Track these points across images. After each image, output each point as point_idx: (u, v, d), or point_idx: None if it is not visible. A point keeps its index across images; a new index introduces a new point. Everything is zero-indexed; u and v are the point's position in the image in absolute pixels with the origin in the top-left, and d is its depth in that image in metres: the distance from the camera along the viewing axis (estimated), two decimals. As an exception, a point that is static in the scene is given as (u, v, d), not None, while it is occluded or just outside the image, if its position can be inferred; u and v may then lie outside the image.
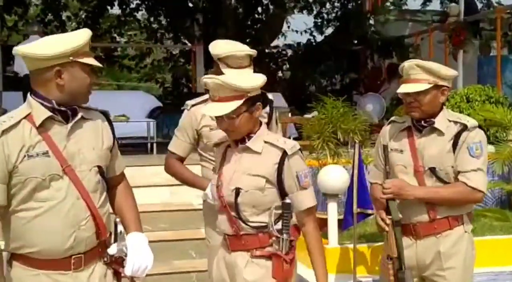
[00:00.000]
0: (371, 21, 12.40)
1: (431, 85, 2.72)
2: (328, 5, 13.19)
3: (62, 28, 11.50)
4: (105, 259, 2.34)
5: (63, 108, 2.24)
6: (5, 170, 2.19)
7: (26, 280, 2.27)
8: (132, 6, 12.08)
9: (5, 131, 2.19)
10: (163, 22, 12.23)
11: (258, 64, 11.43)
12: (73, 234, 2.23)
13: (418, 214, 2.79)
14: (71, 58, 2.20)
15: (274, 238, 2.44)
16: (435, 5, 19.22)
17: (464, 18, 9.80)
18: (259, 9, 12.75)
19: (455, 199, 2.79)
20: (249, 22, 12.77)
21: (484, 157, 2.79)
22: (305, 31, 12.75)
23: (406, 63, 2.82)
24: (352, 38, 11.77)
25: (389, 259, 2.79)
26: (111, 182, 2.46)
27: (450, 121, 2.80)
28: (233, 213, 2.46)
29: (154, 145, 8.07)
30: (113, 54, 12.85)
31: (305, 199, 2.43)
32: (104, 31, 12.38)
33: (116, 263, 2.35)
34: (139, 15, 12.64)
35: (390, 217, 2.77)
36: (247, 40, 12.37)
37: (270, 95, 8.95)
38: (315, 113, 6.94)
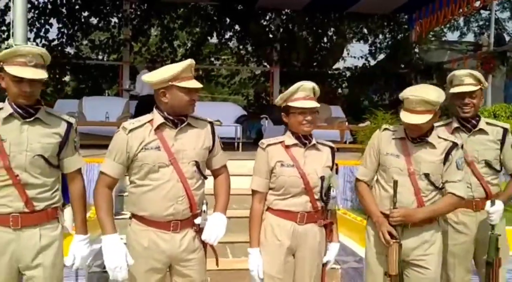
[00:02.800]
0: (416, 50, 12.06)
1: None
2: (381, 36, 12.93)
3: (174, 53, 11.76)
4: (195, 228, 2.45)
5: (171, 117, 2.39)
6: (125, 156, 2.36)
7: (139, 233, 2.43)
8: (226, 37, 12.21)
9: (132, 130, 2.39)
10: (249, 49, 12.28)
11: (322, 82, 11.50)
12: (172, 206, 2.38)
13: None
14: (169, 82, 2.34)
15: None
16: (469, 37, 18.52)
17: (494, 48, 9.41)
18: (325, 39, 12.59)
19: (449, 210, 2.72)
20: (316, 49, 12.64)
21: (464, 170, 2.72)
22: (361, 57, 12.54)
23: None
24: (399, 63, 11.42)
25: (388, 276, 2.59)
26: (213, 173, 2.59)
27: (439, 138, 2.66)
28: (316, 196, 2.55)
29: (240, 144, 8.20)
30: (211, 74, 13.06)
31: None
32: (204, 56, 12.54)
33: (200, 232, 2.45)
34: (231, 43, 12.74)
35: (394, 240, 2.57)
36: (314, 64, 12.38)
37: (332, 107, 8.78)
38: (367, 122, 6.87)
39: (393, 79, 11.69)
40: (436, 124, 2.86)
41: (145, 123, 2.41)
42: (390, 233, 2.58)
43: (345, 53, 13.89)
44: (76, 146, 2.46)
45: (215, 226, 2.43)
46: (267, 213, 2.62)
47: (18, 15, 4.74)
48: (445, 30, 18.14)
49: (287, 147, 2.59)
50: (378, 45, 12.62)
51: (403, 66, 11.51)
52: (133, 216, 2.47)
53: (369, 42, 12.82)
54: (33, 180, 2.28)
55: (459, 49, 15.56)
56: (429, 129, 2.62)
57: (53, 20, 10.52)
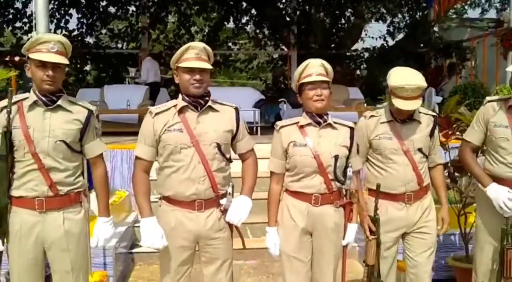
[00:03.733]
0: (435, 28, 11.88)
1: None
2: (399, 15, 12.77)
3: (191, 39, 11.78)
4: (221, 208, 2.53)
5: (191, 100, 2.48)
6: (153, 138, 2.48)
7: (167, 212, 2.54)
8: (243, 21, 12.22)
9: (158, 113, 2.51)
10: (266, 33, 12.27)
11: (340, 64, 11.46)
12: (194, 185, 2.46)
13: (411, 186, 2.76)
14: (176, 64, 2.48)
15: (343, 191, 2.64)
16: (491, 14, 18.07)
17: (512, 25, 9.19)
18: (342, 20, 12.48)
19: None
20: (333, 31, 12.53)
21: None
22: (379, 37, 12.35)
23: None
24: (418, 42, 11.26)
25: (366, 265, 2.76)
26: (241, 157, 2.67)
27: (420, 113, 2.79)
28: (330, 176, 2.59)
29: (259, 128, 8.26)
30: (229, 58, 13.09)
31: None
32: (222, 41, 12.57)
33: (225, 212, 2.53)
34: (248, 28, 12.75)
35: (373, 236, 2.72)
36: (332, 46, 12.29)
37: (350, 89, 8.75)
38: (385, 104, 6.86)
39: (412, 59, 11.52)
40: (494, 97, 2.93)
41: (170, 108, 2.52)
42: (370, 229, 2.73)
43: (363, 34, 13.74)
44: (97, 132, 2.55)
45: (239, 208, 2.50)
46: (284, 194, 2.68)
47: (40, 8, 4.84)
48: (465, 7, 17.74)
49: (301, 127, 2.61)
50: (397, 25, 12.45)
51: (422, 45, 11.37)
52: (162, 197, 2.57)
53: (387, 22, 12.64)
54: (56, 164, 2.39)
55: (480, 27, 15.21)
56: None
57: (72, 11, 10.70)
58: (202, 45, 2.51)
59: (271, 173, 2.70)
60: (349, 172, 2.58)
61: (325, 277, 2.64)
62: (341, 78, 11.40)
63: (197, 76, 2.44)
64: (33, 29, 9.27)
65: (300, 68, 2.62)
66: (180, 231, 2.50)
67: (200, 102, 2.50)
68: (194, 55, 2.45)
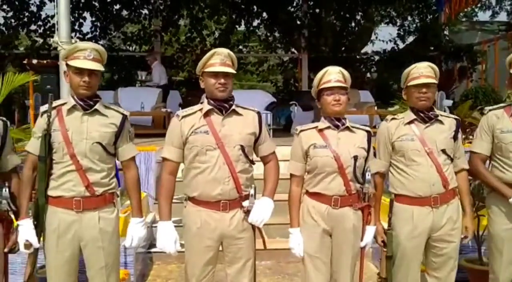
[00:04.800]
0: (446, 32, 11.93)
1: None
2: (409, 18, 12.83)
3: (203, 42, 11.94)
4: (244, 209, 2.63)
5: (216, 104, 2.61)
6: (181, 140, 2.61)
7: (193, 213, 2.65)
8: (254, 24, 12.34)
9: (184, 116, 2.64)
10: (277, 36, 12.38)
11: (351, 67, 11.55)
12: (219, 186, 2.57)
13: (437, 188, 2.78)
14: (202, 69, 2.62)
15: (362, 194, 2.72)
16: (502, 17, 18.07)
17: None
18: (352, 23, 12.56)
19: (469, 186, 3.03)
20: (344, 34, 12.59)
21: None
22: (390, 41, 12.43)
23: None
24: (429, 46, 11.29)
25: (380, 277, 2.93)
26: (262, 160, 2.79)
27: (442, 115, 2.89)
28: (349, 177, 2.69)
29: (271, 131, 8.37)
30: (239, 61, 13.18)
31: None
32: (233, 44, 12.67)
33: (247, 213, 2.62)
34: (259, 31, 12.85)
35: (385, 249, 2.84)
36: (342, 49, 12.38)
37: (361, 92, 8.83)
38: (396, 107, 6.95)
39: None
40: (494, 106, 3.03)
41: (196, 111, 2.66)
42: (383, 241, 2.85)
43: (373, 37, 13.83)
44: (130, 136, 2.70)
45: (261, 209, 2.61)
46: (304, 196, 2.79)
47: (61, 13, 5.02)
48: (476, 10, 17.75)
49: (320, 131, 2.74)
50: (407, 28, 12.50)
51: (432, 49, 11.43)
52: (188, 198, 2.69)
53: (398, 25, 12.72)
54: (92, 165, 2.53)
55: (491, 30, 15.25)
56: (432, 108, 2.84)
57: (86, 14, 10.86)
58: (227, 51, 2.64)
59: (291, 175, 2.81)
60: (368, 175, 2.69)
61: (343, 277, 2.74)
62: (352, 81, 11.51)
63: (222, 81, 2.57)
64: (51, 33, 9.52)
65: (319, 75, 2.75)
66: (205, 231, 2.61)
67: (224, 106, 2.62)
68: (219, 61, 2.58)
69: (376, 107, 9.01)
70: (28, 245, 2.53)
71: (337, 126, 2.73)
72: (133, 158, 2.72)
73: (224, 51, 2.63)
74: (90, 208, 2.55)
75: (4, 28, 10.41)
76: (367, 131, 2.80)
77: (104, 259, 2.59)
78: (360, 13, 12.40)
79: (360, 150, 2.72)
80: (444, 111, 8.03)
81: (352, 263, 2.75)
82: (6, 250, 2.58)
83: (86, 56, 2.50)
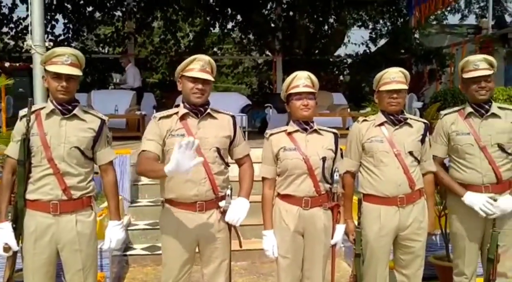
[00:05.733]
0: (416, 35, 12.23)
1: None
2: (381, 22, 13.13)
3: (177, 44, 11.96)
4: (220, 210, 2.70)
5: (191, 108, 2.67)
6: (159, 138, 2.65)
7: (169, 214, 2.71)
8: (229, 27, 12.41)
9: (161, 118, 2.70)
10: (252, 38, 12.49)
11: (324, 70, 11.70)
12: (196, 187, 2.63)
13: (403, 189, 2.88)
14: (180, 73, 2.68)
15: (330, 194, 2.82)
16: (471, 20, 18.60)
17: (492, 32, 9.61)
18: (326, 26, 12.78)
19: (434, 189, 3.14)
20: (317, 37, 12.79)
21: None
22: (362, 44, 12.65)
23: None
24: (400, 49, 11.54)
25: (352, 275, 3.03)
26: (237, 162, 2.86)
27: (411, 119, 2.99)
28: (319, 178, 2.78)
29: (246, 133, 8.45)
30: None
31: None
32: (207, 46, 12.74)
33: (224, 214, 2.69)
34: (233, 33, 12.94)
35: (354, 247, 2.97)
36: (316, 51, 12.57)
37: (334, 95, 8.99)
38: (368, 109, 7.14)
39: (394, 65, 11.82)
40: (448, 111, 3.16)
41: (172, 115, 2.72)
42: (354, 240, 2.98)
43: (346, 40, 14.06)
44: (108, 140, 2.75)
45: (237, 209, 2.68)
46: (276, 199, 2.88)
47: (35, 16, 4.98)
48: (446, 13, 18.21)
49: (289, 134, 2.83)
50: (379, 31, 12.78)
51: (403, 51, 11.71)
52: (165, 200, 2.74)
53: (370, 28, 12.98)
54: (70, 169, 2.58)
55: (459, 33, 15.66)
56: (402, 111, 2.95)
57: (58, 16, 10.77)
58: (208, 58, 2.71)
59: (263, 178, 2.88)
60: (336, 176, 2.80)
61: (316, 275, 2.84)
62: (325, 83, 11.69)
63: (200, 86, 2.64)
64: (23, 35, 9.41)
65: (288, 80, 2.84)
66: (182, 232, 2.67)
67: (200, 110, 2.69)
68: (199, 66, 2.64)
69: (349, 110, 9.20)
70: (7, 248, 2.56)
71: (305, 130, 2.83)
72: (111, 162, 2.78)
73: (205, 58, 2.70)
74: (67, 211, 2.59)
75: (-25, 30, 10.27)
76: (334, 133, 2.91)
77: (81, 262, 2.63)
78: (333, 17, 12.62)
79: (328, 152, 2.82)
80: (414, 113, 8.31)
81: (323, 261, 2.86)
82: (-17, 253, 2.61)
83: (64, 61, 2.54)
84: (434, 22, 17.31)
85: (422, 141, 2.97)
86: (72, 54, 2.58)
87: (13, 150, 2.59)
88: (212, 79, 2.70)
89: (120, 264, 4.50)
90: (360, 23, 13.33)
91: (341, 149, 2.94)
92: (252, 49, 12.93)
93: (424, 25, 12.04)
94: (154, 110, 8.05)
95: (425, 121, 3.05)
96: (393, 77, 2.90)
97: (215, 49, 13.05)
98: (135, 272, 4.55)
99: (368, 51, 12.48)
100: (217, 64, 12.28)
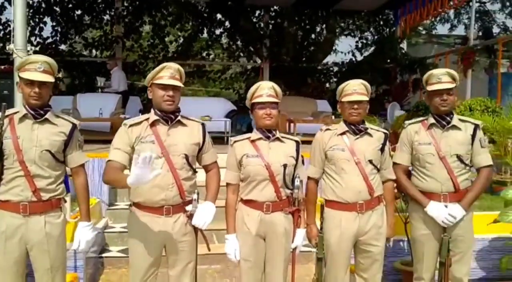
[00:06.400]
0: (404, 44, 12.43)
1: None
2: (367, 32, 13.32)
3: (165, 49, 12.05)
4: (187, 214, 2.79)
5: (162, 115, 2.76)
6: (128, 146, 2.74)
7: (137, 218, 2.81)
8: (217, 33, 12.54)
9: (131, 125, 2.80)
10: (240, 45, 12.61)
11: (311, 77, 11.82)
12: (163, 192, 2.73)
13: (363, 195, 3.01)
14: (151, 81, 2.77)
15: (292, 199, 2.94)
16: (460, 30, 18.83)
17: (475, 43, 9.85)
18: (313, 35, 12.95)
19: (393, 196, 3.25)
20: (305, 45, 12.94)
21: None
22: (348, 52, 12.85)
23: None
24: (385, 58, 11.75)
25: (314, 279, 3.17)
26: (205, 168, 2.96)
27: (372, 129, 3.12)
28: (280, 184, 2.89)
29: (229, 138, 8.55)
30: (203, 69, 13.35)
31: None
32: (196, 52, 12.80)
33: (190, 217, 2.78)
34: (222, 39, 13.05)
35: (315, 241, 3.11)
36: (303, 59, 12.72)
37: (319, 102, 9.17)
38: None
39: (379, 74, 12.06)
40: (412, 121, 3.31)
41: (142, 121, 2.81)
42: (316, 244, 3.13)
43: (333, 48, 14.23)
44: (79, 144, 2.87)
45: (204, 213, 2.77)
46: (239, 204, 2.99)
47: (18, 20, 5.06)
48: (435, 23, 18.46)
49: (252, 141, 2.95)
50: (365, 41, 12.96)
51: (388, 61, 11.90)
52: (132, 203, 2.85)
53: (357, 38, 13.18)
54: (41, 171, 2.69)
55: (446, 43, 15.90)
56: (363, 121, 3.09)
57: (47, 19, 10.84)
58: (177, 66, 2.82)
59: (227, 184, 3.00)
60: (297, 182, 2.92)
61: (277, 278, 2.96)
62: (311, 91, 11.86)
63: (170, 93, 2.74)
64: (11, 38, 9.47)
65: (253, 89, 2.96)
66: (149, 235, 2.77)
67: (170, 117, 2.79)
68: (169, 74, 2.75)
69: (333, 117, 9.34)
70: None
71: (268, 137, 2.96)
72: (82, 165, 2.88)
73: (174, 66, 2.81)
74: (36, 212, 2.70)
75: (-38, 32, 10.31)
76: (296, 141, 3.04)
77: (49, 262, 2.74)
78: (320, 25, 12.79)
79: (289, 159, 2.95)
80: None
81: (284, 264, 2.97)
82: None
83: (37, 68, 2.66)
84: (424, 32, 17.57)
85: (382, 149, 3.10)
86: (45, 62, 2.70)
87: None
88: (182, 85, 2.81)
89: (95, 266, 4.59)
90: (347, 32, 13.49)
91: (302, 156, 3.06)
92: (240, 55, 13.02)
93: (409, 35, 12.26)
94: (140, 114, 8.14)
95: (385, 131, 3.19)
96: (355, 89, 3.03)
97: (203, 54, 13.09)
98: (110, 274, 4.63)
99: (354, 60, 12.65)
100: (205, 69, 12.37)
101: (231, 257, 2.96)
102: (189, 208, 2.79)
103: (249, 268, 2.95)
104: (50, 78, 2.71)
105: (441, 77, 3.13)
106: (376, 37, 13.00)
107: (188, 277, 2.88)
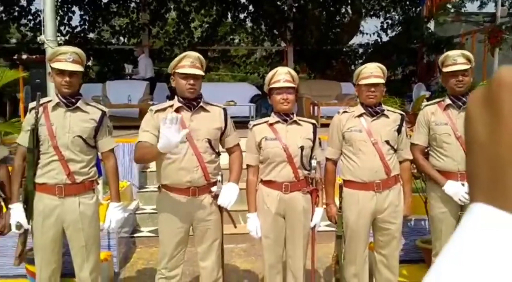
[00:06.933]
0: (430, 24, 12.23)
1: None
2: (393, 12, 13.14)
3: (190, 35, 12.18)
4: (212, 194, 2.98)
5: (185, 102, 2.92)
6: (155, 129, 2.85)
7: (165, 199, 2.98)
8: (241, 17, 12.56)
9: (156, 111, 2.95)
10: (264, 29, 12.63)
11: (335, 59, 11.75)
12: (189, 174, 2.89)
13: (379, 175, 3.11)
14: (173, 70, 2.91)
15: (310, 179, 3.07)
16: (490, 7, 18.31)
17: (500, 22, 9.64)
18: (337, 17, 12.85)
19: (411, 175, 3.33)
20: (330, 27, 12.83)
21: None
22: (373, 33, 12.70)
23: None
24: (411, 38, 11.59)
25: (334, 256, 3.32)
26: (228, 151, 3.10)
27: (389, 111, 3.19)
28: (297, 165, 3.03)
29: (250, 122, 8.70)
30: (228, 54, 13.43)
31: None
32: (220, 37, 12.87)
33: (215, 198, 2.97)
34: (246, 24, 13.04)
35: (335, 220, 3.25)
36: (328, 41, 12.67)
37: (343, 84, 9.26)
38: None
39: (405, 55, 11.96)
40: (429, 102, 3.40)
41: (167, 108, 2.97)
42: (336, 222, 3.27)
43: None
44: (109, 130, 3.05)
45: (228, 193, 2.94)
46: (259, 184, 3.14)
47: (47, 12, 5.28)
48: (464, 0, 17.98)
49: (271, 125, 3.08)
50: (390, 21, 12.80)
51: (415, 41, 11.76)
52: (161, 185, 3.02)
53: (381, 18, 13.03)
54: (73, 156, 2.89)
55: (475, 21, 15.51)
56: (379, 103, 3.17)
57: (75, 8, 11.10)
58: (197, 54, 2.95)
59: (248, 166, 3.13)
60: (314, 163, 3.04)
61: (297, 253, 3.10)
62: (334, 73, 11.84)
63: (191, 82, 2.87)
64: (41, 28, 9.80)
65: (270, 75, 3.07)
66: (177, 214, 2.95)
67: (193, 103, 2.94)
68: (189, 63, 2.88)
69: (357, 99, 9.34)
70: (19, 226, 2.89)
71: (285, 121, 3.07)
72: (111, 150, 3.07)
73: (195, 54, 2.94)
74: (71, 194, 2.90)
75: (-5, 22, 10.67)
76: (312, 123, 3.16)
77: (84, 240, 2.95)
78: (345, 7, 12.67)
79: (306, 141, 3.06)
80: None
81: (304, 241, 3.11)
82: (-3, 231, 2.95)
83: (67, 58, 2.83)
84: (452, 10, 17.17)
85: (399, 131, 3.19)
86: (74, 52, 2.87)
87: (23, 138, 2.91)
88: (202, 73, 2.94)
89: (127, 245, 4.84)
90: (372, 13, 13.33)
91: (319, 138, 3.17)
92: (265, 39, 13.01)
93: (436, 14, 12.02)
94: (167, 100, 8.32)
95: (402, 112, 3.27)
96: (371, 72, 3.11)
97: (227, 39, 13.12)
98: (141, 252, 4.87)
99: (379, 41, 12.52)
100: (230, 54, 12.45)
101: (253, 234, 3.11)
102: (214, 189, 2.95)
103: (269, 245, 3.11)
104: (79, 68, 2.88)
105: (456, 59, 3.19)
106: (401, 17, 12.82)
107: (214, 254, 3.05)
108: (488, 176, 0.35)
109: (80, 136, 2.90)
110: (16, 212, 2.88)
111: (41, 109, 2.91)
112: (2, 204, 2.97)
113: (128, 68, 10.48)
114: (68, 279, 3.38)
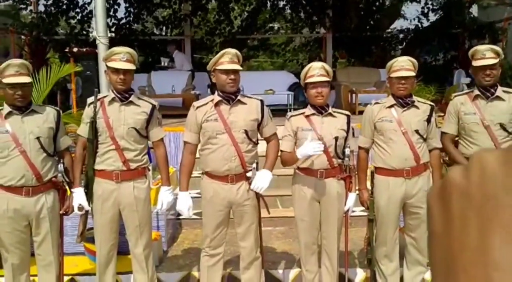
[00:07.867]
0: (472, 9, 11.98)
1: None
2: (434, -4, 12.94)
3: (231, 25, 12.41)
4: (249, 181, 3.20)
5: (224, 96, 3.16)
6: (196, 126, 3.17)
7: (207, 184, 3.26)
8: (280, 5, 12.69)
9: (198, 107, 3.22)
10: (302, 16, 12.72)
11: (375, 46, 11.68)
12: (227, 163, 3.15)
13: (409, 162, 3.27)
14: (213, 67, 3.14)
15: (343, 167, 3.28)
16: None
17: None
18: (377, 3, 12.78)
19: (441, 163, 3.42)
20: (369, 13, 12.79)
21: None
22: (414, 19, 12.57)
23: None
24: (452, 23, 11.40)
25: (366, 238, 3.49)
26: (265, 139, 3.32)
27: (419, 101, 3.32)
28: (332, 154, 3.24)
29: (292, 110, 8.82)
30: (267, 42, 13.57)
31: None
32: (259, 25, 13.07)
33: (250, 183, 3.19)
34: (285, 12, 13.18)
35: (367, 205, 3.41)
36: (367, 27, 12.61)
37: (382, 71, 9.40)
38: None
39: (446, 40, 11.79)
40: (459, 93, 3.57)
41: (208, 102, 3.23)
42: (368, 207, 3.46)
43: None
44: (159, 121, 3.36)
45: (260, 179, 3.17)
46: (296, 171, 3.37)
47: (98, 10, 5.64)
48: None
49: (307, 116, 3.29)
50: (431, 6, 12.62)
51: (456, 26, 11.58)
52: (203, 172, 3.30)
53: (422, 3, 12.85)
54: (128, 145, 3.21)
55: (522, 4, 15.01)
56: (410, 94, 3.32)
57: (120, 0, 11.54)
58: (234, 51, 3.18)
59: (282, 151, 3.33)
60: (347, 151, 3.25)
61: (331, 235, 3.34)
62: (373, 60, 11.82)
63: (232, 76, 3.11)
64: (89, 20, 10.27)
65: (305, 70, 3.27)
66: (217, 199, 3.23)
67: (231, 97, 3.18)
68: (228, 59, 3.12)
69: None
70: (80, 208, 3.25)
71: (321, 113, 3.28)
72: (161, 139, 3.38)
73: (232, 51, 3.17)
74: (126, 179, 3.23)
75: (45, 16, 11.19)
76: (347, 115, 3.35)
77: (138, 220, 3.28)
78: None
79: (340, 131, 3.26)
80: (462, 88, 8.39)
81: (338, 224, 3.34)
82: (61, 212, 3.30)
83: (121, 58, 3.14)
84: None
85: (428, 121, 3.34)
86: (127, 52, 3.17)
87: (83, 130, 3.25)
88: (241, 68, 3.18)
89: (174, 226, 5.19)
90: (412, -2, 13.15)
91: (352, 128, 3.37)
92: (304, 26, 13.09)
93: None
94: (209, 89, 8.63)
95: (431, 103, 3.42)
96: (402, 65, 3.28)
97: (267, 28, 13.27)
98: (187, 233, 5.22)
99: (420, 26, 12.38)
100: (269, 42, 12.51)
101: (183, 212, 3.33)
102: (249, 174, 3.19)
103: (305, 227, 3.36)
104: (132, 66, 3.18)
105: (485, 53, 3.31)
106: (443, 1, 12.61)
107: (252, 235, 3.32)
108: (443, 266, 0.37)
109: (134, 128, 3.21)
110: (78, 195, 3.23)
111: (98, 103, 3.23)
112: (67, 188, 3.32)
113: (164, 61, 10.81)
114: (122, 256, 3.73)
